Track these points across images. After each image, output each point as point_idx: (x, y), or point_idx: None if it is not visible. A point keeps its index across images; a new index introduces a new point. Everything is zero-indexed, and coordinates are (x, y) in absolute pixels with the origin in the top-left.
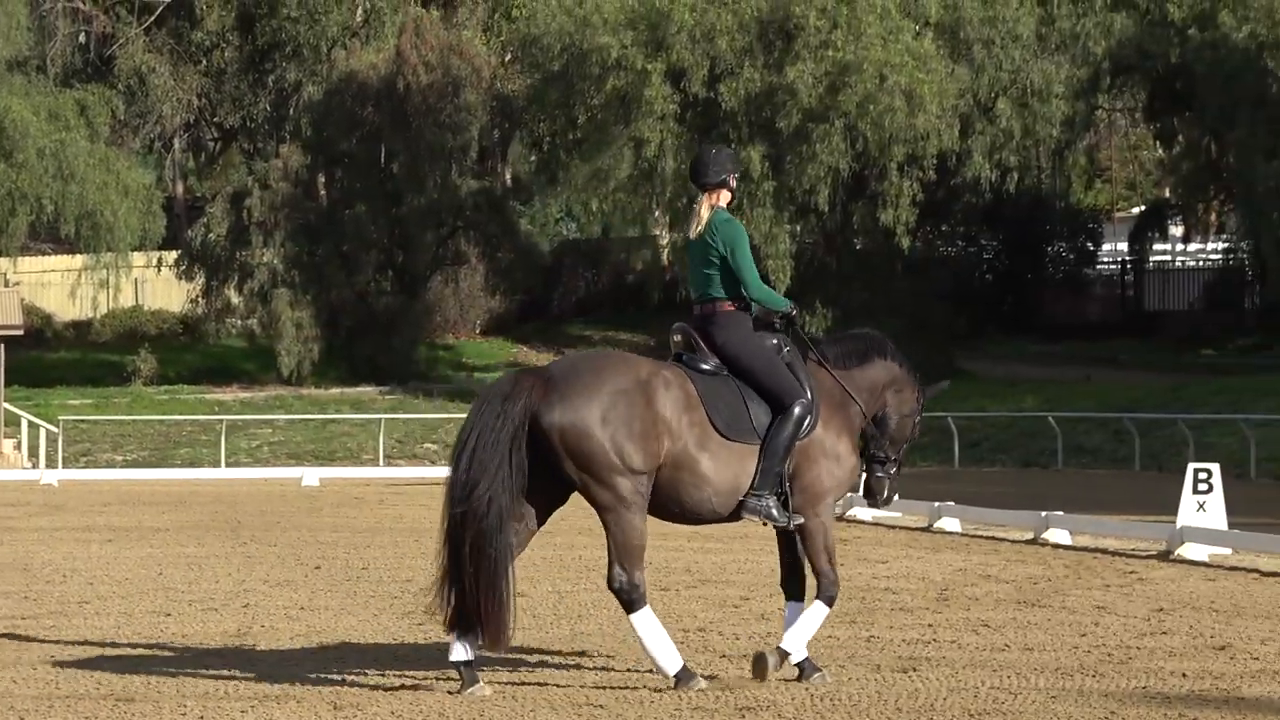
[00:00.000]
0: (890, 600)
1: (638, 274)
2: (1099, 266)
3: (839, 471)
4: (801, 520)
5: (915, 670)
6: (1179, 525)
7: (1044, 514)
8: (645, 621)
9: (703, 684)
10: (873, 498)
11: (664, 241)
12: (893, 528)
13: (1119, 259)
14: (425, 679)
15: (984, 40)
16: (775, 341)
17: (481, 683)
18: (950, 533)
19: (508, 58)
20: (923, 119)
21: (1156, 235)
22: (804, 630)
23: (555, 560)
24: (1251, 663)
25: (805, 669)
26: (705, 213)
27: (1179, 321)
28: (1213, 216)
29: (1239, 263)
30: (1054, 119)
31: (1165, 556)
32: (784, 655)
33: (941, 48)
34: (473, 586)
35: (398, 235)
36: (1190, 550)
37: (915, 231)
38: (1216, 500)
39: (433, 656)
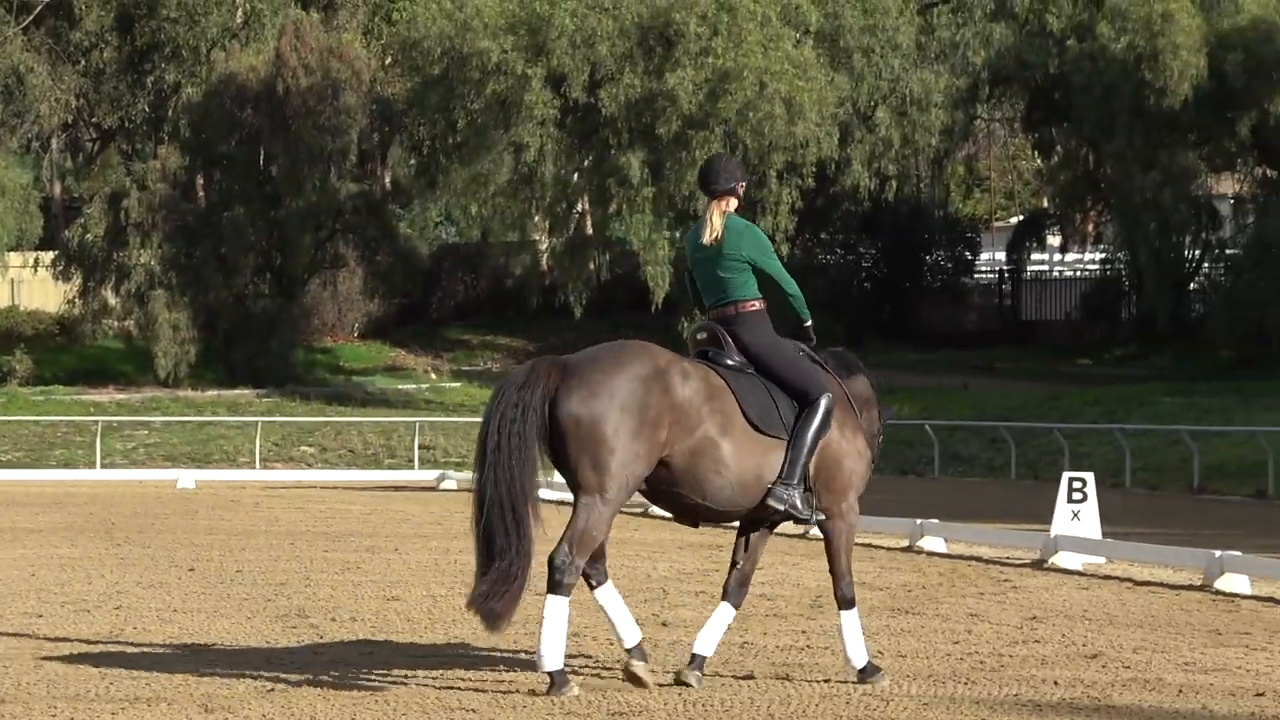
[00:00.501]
0: (765, 607)
1: (517, 279)
2: (977, 276)
3: (861, 468)
4: (825, 518)
5: (788, 677)
6: (1053, 534)
7: (919, 522)
8: (557, 608)
9: (575, 692)
10: None
11: (543, 246)
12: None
13: (997, 268)
14: (298, 681)
15: (864, 49)
16: (792, 342)
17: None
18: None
19: (388, 61)
20: (802, 127)
21: (1034, 245)
22: (855, 638)
23: (431, 565)
24: (1123, 671)
25: (868, 670)
26: (717, 219)
27: (1056, 331)
28: (1090, 227)
29: (1116, 273)
30: (933, 128)
31: (1039, 565)
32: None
33: (821, 56)
34: (501, 570)
35: (276, 238)
36: (1064, 559)
37: (794, 239)
38: (1091, 509)
39: (305, 659)
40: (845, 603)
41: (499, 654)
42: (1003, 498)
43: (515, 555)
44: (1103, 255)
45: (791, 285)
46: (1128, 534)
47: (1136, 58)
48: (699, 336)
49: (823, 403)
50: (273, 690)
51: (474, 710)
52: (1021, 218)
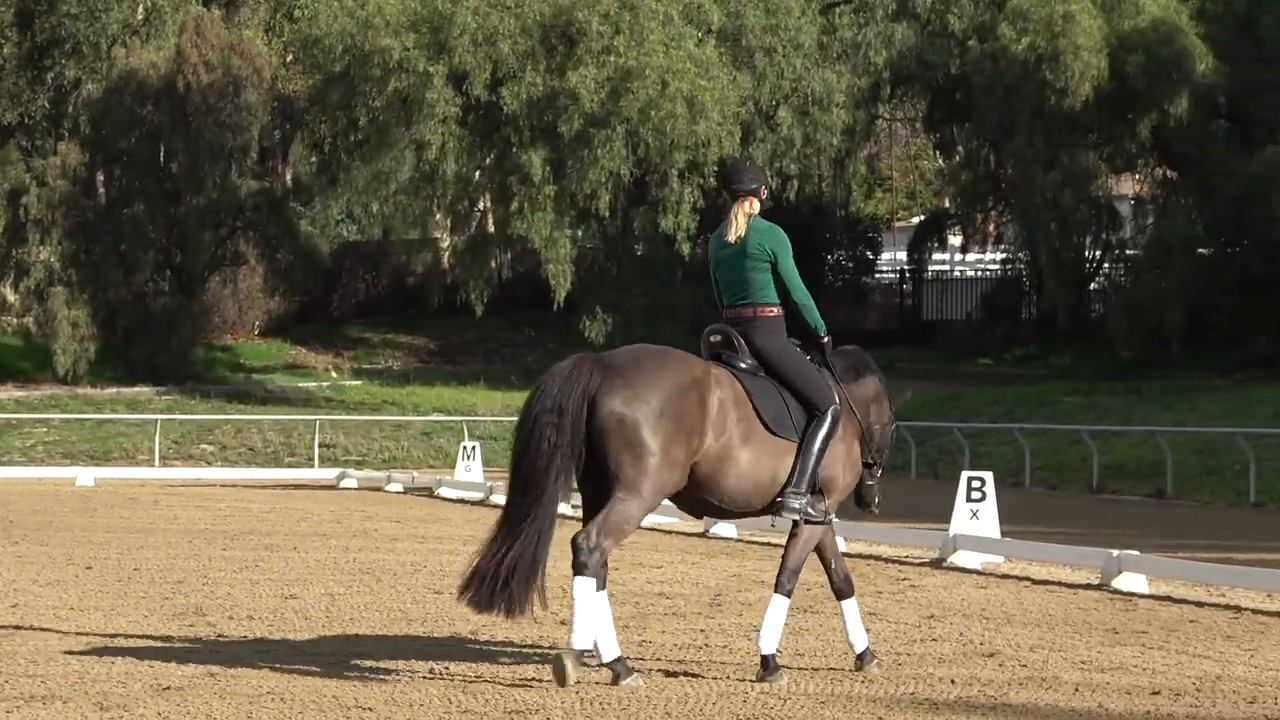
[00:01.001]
0: (664, 605)
1: (418, 276)
2: (878, 275)
3: (850, 477)
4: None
5: (687, 675)
6: (952, 533)
7: None
8: (585, 589)
9: (640, 683)
10: (864, 505)
11: (445, 244)
12: (669, 533)
13: (898, 268)
14: (195, 679)
15: (766, 48)
16: (801, 348)
17: (636, 674)
18: (725, 538)
19: (289, 58)
20: (704, 125)
21: (935, 245)
22: (776, 626)
23: (330, 563)
24: (1020, 669)
25: (769, 663)
26: (741, 218)
27: (957, 331)
28: (991, 227)
29: (1016, 273)
30: (835, 128)
31: (938, 564)
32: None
33: (724, 55)
34: (515, 561)
35: (176, 235)
36: (963, 558)
37: (696, 238)
38: (990, 508)
39: (202, 657)
40: (783, 591)
41: (396, 651)
42: (903, 497)
43: (531, 550)
44: (1004, 255)
45: (803, 294)
46: (1026, 533)
47: (1038, 58)
48: (712, 339)
49: (830, 413)
50: (169, 689)
51: (370, 709)
52: (923, 217)
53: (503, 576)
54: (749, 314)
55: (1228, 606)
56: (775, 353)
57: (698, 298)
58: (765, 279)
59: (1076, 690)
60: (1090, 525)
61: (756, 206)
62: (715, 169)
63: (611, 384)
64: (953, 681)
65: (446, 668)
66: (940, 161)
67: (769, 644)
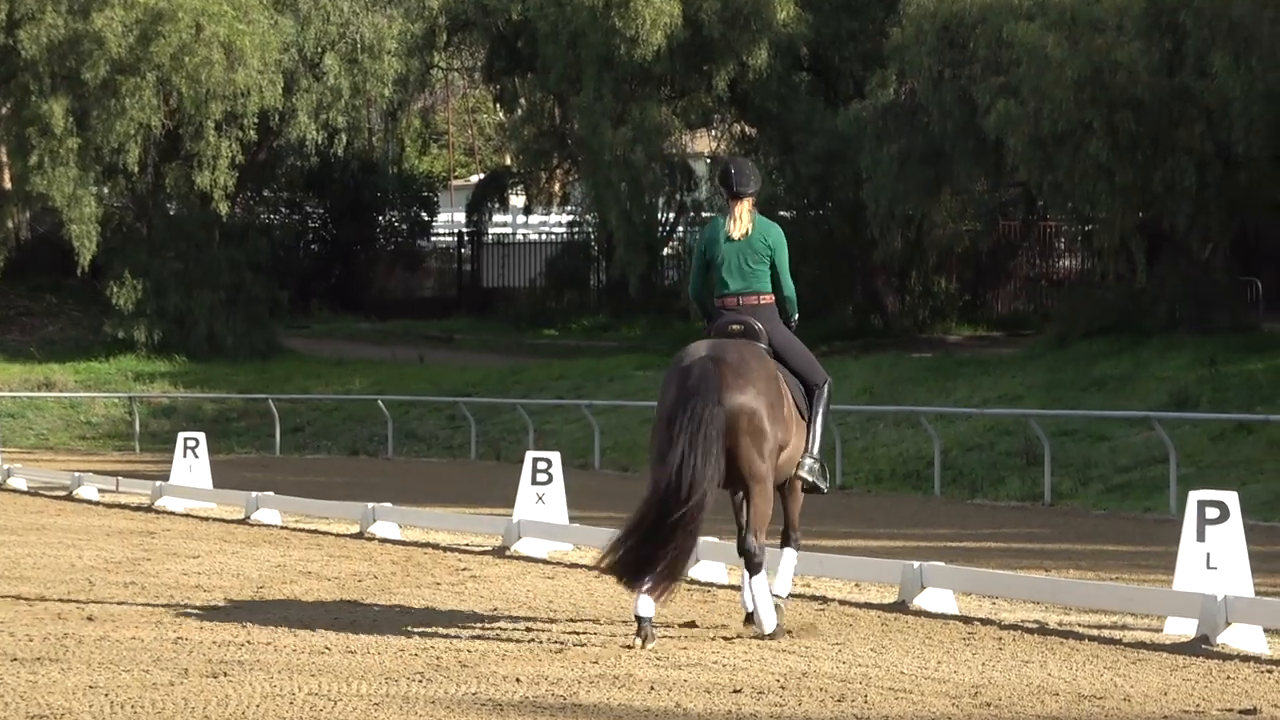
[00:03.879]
0: (202, 598)
1: None
2: (434, 239)
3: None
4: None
5: (227, 675)
6: (516, 519)
7: (371, 505)
8: (763, 583)
9: (786, 634)
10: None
11: None
12: (205, 519)
13: (456, 231)
14: None
15: None
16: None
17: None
18: (269, 525)
19: None
20: (243, 74)
21: (497, 206)
22: (787, 574)
23: None
24: (591, 667)
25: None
26: (746, 216)
27: (520, 299)
28: (556, 186)
29: (584, 237)
30: (386, 77)
31: (501, 553)
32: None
33: None
34: (666, 548)
35: None
36: (528, 545)
37: (234, 196)
38: (557, 492)
39: None
40: (795, 545)
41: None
42: (462, 480)
43: (674, 552)
44: (570, 218)
45: (792, 288)
46: (596, 518)
47: (606, 4)
48: (733, 328)
49: (828, 386)
50: None
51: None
52: (482, 176)
53: (665, 563)
54: (754, 301)
55: (813, 597)
56: (781, 336)
57: (237, 261)
58: (765, 270)
59: (652, 688)
60: None
61: (752, 203)
62: (256, 121)
63: (737, 383)
64: (519, 680)
65: None
66: (501, 115)
67: (783, 588)
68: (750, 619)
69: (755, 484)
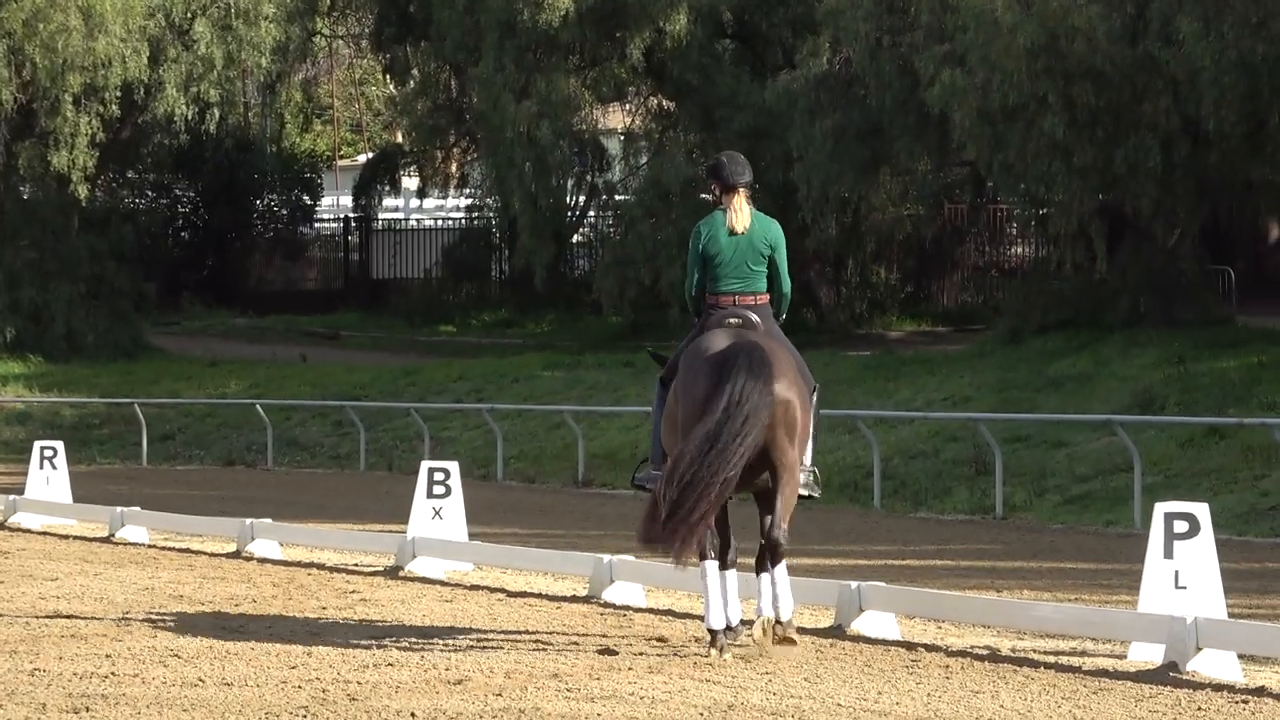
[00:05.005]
0: (61, 626)
1: None
2: (318, 225)
3: None
4: (795, 476)
5: (89, 710)
6: (410, 536)
7: (249, 522)
8: (784, 570)
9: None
10: None
11: None
12: (65, 537)
13: (342, 216)
14: None
15: None
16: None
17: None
18: (136, 544)
19: None
20: (104, 42)
21: (387, 188)
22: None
23: None
24: (494, 700)
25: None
26: (746, 210)
27: (414, 292)
28: (454, 167)
29: (485, 223)
30: (263, 45)
31: (394, 573)
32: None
33: None
34: (695, 516)
35: None
36: (424, 565)
37: (95, 178)
38: (456, 506)
39: None
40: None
41: None
42: (351, 493)
43: (700, 520)
44: (469, 201)
45: (789, 286)
46: (501, 535)
47: None
48: (731, 320)
49: (817, 392)
50: None
51: None
52: (371, 155)
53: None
54: (752, 301)
55: (746, 621)
56: (778, 334)
57: (99, 250)
58: (764, 270)
59: None
60: (576, 524)
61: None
62: (119, 95)
63: (776, 374)
64: (413, 715)
65: None
66: (392, 88)
67: (788, 608)
68: (751, 624)
69: (787, 474)
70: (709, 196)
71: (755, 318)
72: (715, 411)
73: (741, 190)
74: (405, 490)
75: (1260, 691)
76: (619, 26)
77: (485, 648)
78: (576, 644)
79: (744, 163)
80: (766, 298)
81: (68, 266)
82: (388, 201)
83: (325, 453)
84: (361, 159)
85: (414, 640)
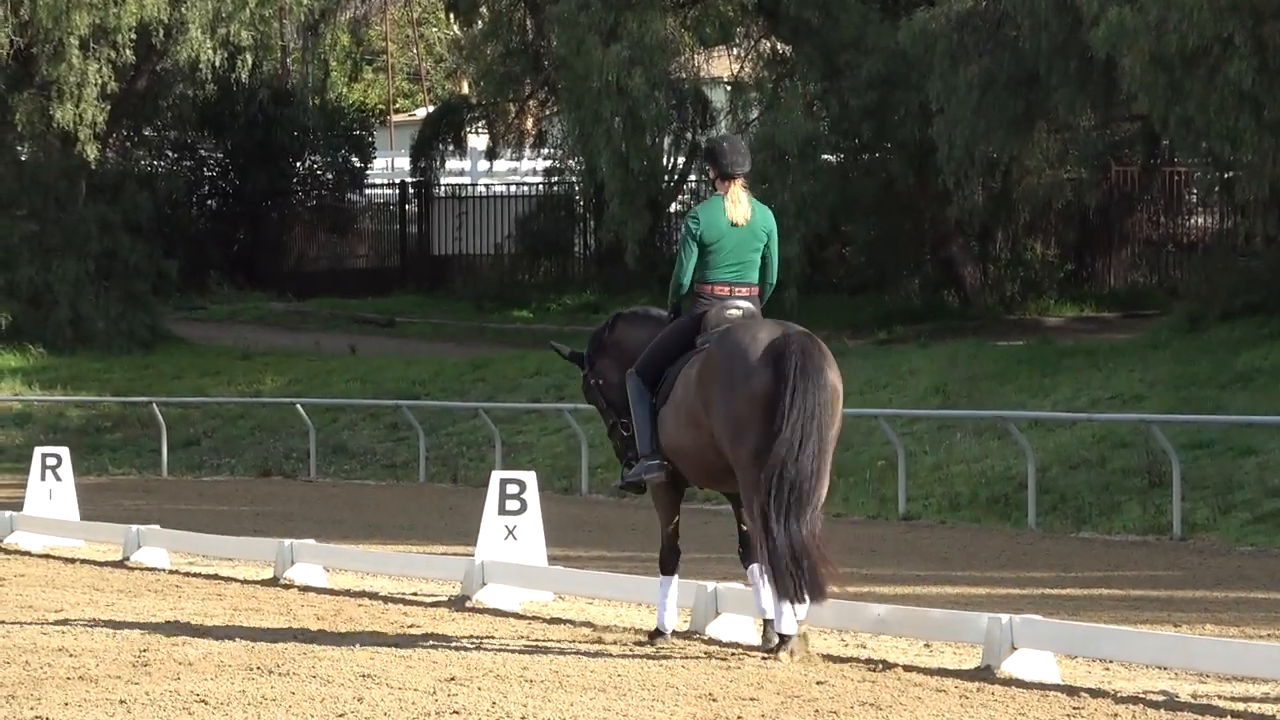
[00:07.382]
0: (67, 667)
1: None
2: (370, 192)
3: None
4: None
5: None
6: (479, 560)
7: (289, 543)
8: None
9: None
10: None
11: None
12: (72, 561)
13: (398, 181)
14: None
15: None
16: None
17: None
18: (154, 569)
19: None
20: None
21: (451, 149)
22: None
23: None
24: None
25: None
26: (746, 199)
27: (482, 270)
28: (529, 123)
29: (567, 189)
30: None
31: (460, 604)
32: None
33: None
34: (811, 545)
35: None
36: (494, 594)
37: (106, 137)
38: (532, 524)
39: None
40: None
41: None
42: (408, 509)
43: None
44: (548, 164)
45: (776, 276)
46: (586, 559)
47: None
48: (729, 312)
49: None
50: None
51: None
52: (432, 109)
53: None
54: (750, 292)
55: (868, 661)
56: None
57: (111, 221)
58: (759, 260)
59: None
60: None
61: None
62: (133, 38)
63: (825, 361)
64: None
65: None
66: (456, 29)
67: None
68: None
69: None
70: (706, 180)
71: (754, 308)
72: (792, 409)
73: (738, 179)
74: (473, 506)
75: None
76: None
77: (569, 690)
78: (676, 690)
79: (744, 151)
80: (757, 289)
81: (74, 241)
82: (451, 164)
83: (378, 461)
84: (420, 114)
85: (484, 683)
